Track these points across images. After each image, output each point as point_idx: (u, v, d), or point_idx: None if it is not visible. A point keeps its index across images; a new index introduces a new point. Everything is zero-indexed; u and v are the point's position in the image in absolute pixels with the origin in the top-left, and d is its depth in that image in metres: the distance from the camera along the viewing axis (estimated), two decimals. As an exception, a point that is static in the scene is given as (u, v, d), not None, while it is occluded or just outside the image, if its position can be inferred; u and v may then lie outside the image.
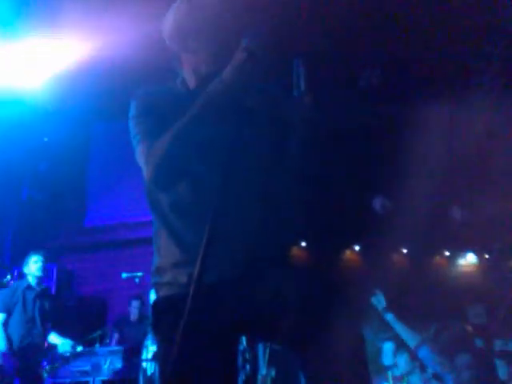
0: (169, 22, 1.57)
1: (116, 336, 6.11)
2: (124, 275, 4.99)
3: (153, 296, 1.49)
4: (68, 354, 4.15)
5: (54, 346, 4.60)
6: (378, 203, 9.05)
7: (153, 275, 1.58)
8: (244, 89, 1.39)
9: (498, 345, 6.11)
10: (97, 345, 4.26)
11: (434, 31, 6.17)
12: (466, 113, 7.29)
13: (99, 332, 4.33)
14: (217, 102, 1.39)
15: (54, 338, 4.68)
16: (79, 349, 3.97)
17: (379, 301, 4.12)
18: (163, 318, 1.48)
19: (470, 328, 6.08)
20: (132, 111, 1.55)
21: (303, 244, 8.57)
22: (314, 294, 1.47)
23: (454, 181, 8.30)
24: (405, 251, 9.73)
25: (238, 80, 1.37)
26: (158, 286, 1.55)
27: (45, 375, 4.12)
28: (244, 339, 4.35)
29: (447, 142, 7.62)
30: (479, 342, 5.93)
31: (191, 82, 1.58)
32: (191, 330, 1.27)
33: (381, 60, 6.70)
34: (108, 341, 6.16)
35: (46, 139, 6.86)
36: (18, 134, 6.03)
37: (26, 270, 4.75)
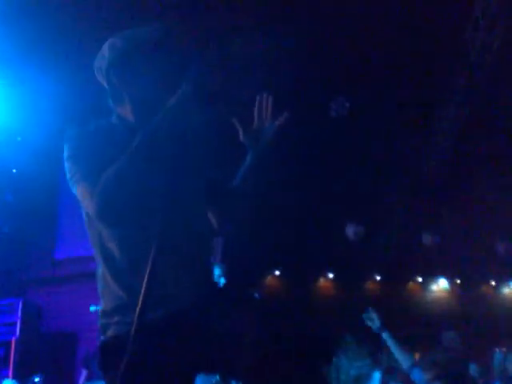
0: (106, 58, 1.55)
1: (84, 373, 5.93)
2: (92, 308, 4.87)
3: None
4: None
5: None
6: (350, 230, 9.11)
7: (100, 317, 1.53)
8: (187, 118, 1.40)
9: (472, 369, 6.14)
10: None
11: (400, 63, 6.36)
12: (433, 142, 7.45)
13: (37, 378, 4.07)
14: (165, 129, 1.39)
15: None
16: None
17: (372, 319, 4.09)
18: (111, 358, 1.41)
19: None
20: (67, 152, 1.50)
21: (277, 272, 8.56)
22: (263, 338, 1.53)
23: (423, 207, 8.44)
24: (378, 278, 9.78)
25: (183, 108, 1.39)
26: (105, 326, 1.49)
27: None
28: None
29: (415, 169, 7.76)
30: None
31: (129, 116, 1.57)
32: (139, 367, 1.25)
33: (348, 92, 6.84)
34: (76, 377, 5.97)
35: (14, 170, 6.74)
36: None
37: None
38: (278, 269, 8.54)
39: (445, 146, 7.49)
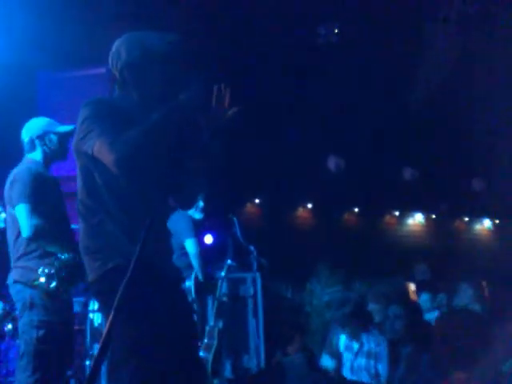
0: (122, 59, 1.88)
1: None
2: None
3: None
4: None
5: None
6: (332, 162, 9.14)
7: (95, 252, 1.81)
8: (195, 109, 1.80)
9: (441, 298, 6.41)
10: None
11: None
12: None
13: None
14: (177, 113, 1.79)
15: None
16: None
17: None
18: (111, 285, 1.68)
19: (410, 285, 6.34)
20: (86, 113, 1.79)
21: (256, 200, 8.64)
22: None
23: (405, 141, 8.45)
24: (356, 210, 9.95)
25: (194, 102, 1.79)
26: (105, 260, 1.79)
27: None
28: (193, 291, 4.40)
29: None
30: (425, 296, 6.20)
31: (133, 99, 1.91)
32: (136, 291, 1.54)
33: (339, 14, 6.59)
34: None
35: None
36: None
37: None
38: (257, 197, 8.61)
39: (436, 76, 7.35)
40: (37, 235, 2.74)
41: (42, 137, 2.97)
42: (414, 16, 6.42)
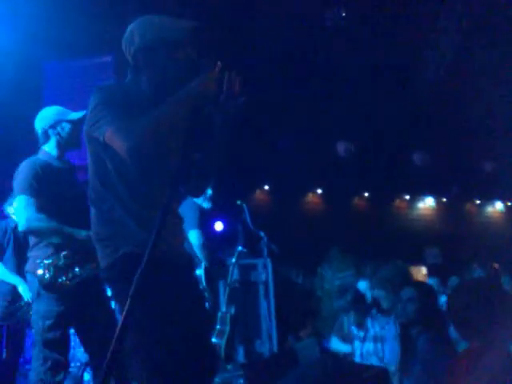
0: (135, 43, 1.85)
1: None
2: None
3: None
4: None
5: None
6: (341, 147, 9.09)
7: (105, 240, 1.80)
8: (207, 97, 1.75)
9: (453, 281, 6.42)
10: None
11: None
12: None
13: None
14: (188, 101, 1.73)
15: None
16: None
17: None
18: (125, 272, 1.67)
19: (422, 269, 6.32)
20: (97, 99, 1.76)
21: (266, 187, 8.64)
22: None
23: (415, 125, 8.39)
24: (366, 195, 9.91)
25: (205, 89, 1.75)
26: (115, 246, 1.78)
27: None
28: (203, 280, 4.41)
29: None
30: (431, 281, 6.20)
31: (144, 84, 1.88)
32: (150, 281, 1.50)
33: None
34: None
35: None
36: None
37: (9, 210, 4.41)
38: (266, 183, 8.60)
39: (440, 63, 7.30)
40: (31, 228, 2.70)
41: (54, 126, 2.91)
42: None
